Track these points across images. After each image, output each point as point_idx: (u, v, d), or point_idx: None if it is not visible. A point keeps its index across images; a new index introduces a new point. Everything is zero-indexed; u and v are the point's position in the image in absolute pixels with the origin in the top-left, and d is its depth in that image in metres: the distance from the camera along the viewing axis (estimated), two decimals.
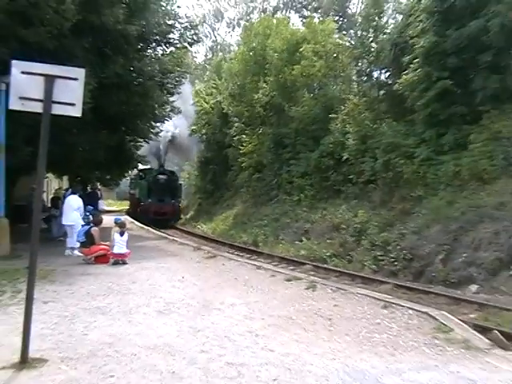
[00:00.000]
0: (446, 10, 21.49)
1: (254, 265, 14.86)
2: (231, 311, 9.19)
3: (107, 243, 14.96)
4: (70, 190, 19.62)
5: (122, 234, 14.70)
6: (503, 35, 19.25)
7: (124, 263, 14.37)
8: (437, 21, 21.89)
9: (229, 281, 12.37)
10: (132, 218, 38.63)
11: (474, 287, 15.48)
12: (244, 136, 34.53)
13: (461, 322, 8.62)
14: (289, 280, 12.22)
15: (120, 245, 14.51)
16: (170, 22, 21.85)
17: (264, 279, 12.59)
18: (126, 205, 51.11)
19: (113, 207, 55.83)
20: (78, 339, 7.18)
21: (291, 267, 18.46)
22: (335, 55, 30.87)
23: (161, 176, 39.20)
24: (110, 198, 64.78)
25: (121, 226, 15.33)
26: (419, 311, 8.96)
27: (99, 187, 33.81)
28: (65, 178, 35.43)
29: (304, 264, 19.52)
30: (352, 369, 6.31)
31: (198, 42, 23.48)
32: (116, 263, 14.32)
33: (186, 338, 7.34)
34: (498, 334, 8.35)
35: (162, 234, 25.08)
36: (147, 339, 7.25)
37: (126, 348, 6.81)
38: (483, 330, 8.93)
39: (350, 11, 46.29)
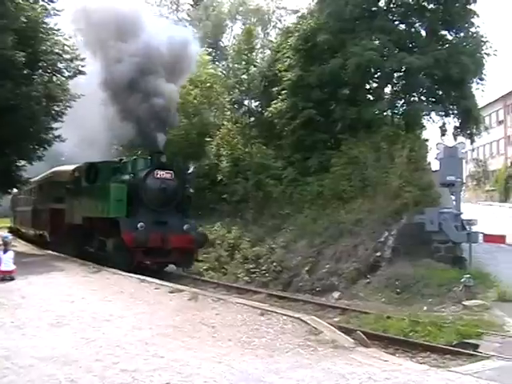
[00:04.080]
0: (310, 49, 22.70)
1: (138, 278, 14.62)
2: (120, 322, 9.00)
3: None
4: None
5: (5, 251, 14.04)
6: (359, 73, 20.67)
7: (12, 279, 13.68)
8: (302, 57, 23.07)
9: (115, 294, 12.06)
10: (53, 249, 23.22)
11: (336, 294, 16.31)
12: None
13: (329, 325, 9.06)
14: (172, 292, 12.11)
15: (6, 262, 13.85)
16: (56, 51, 21.08)
17: (149, 291, 12.40)
18: (6, 222, 46.77)
19: None
20: None
21: (172, 280, 18.30)
22: (209, 84, 31.30)
23: (161, 173, 18.16)
24: None
25: (5, 244, 14.66)
26: (292, 317, 9.24)
27: None
28: None
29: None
30: (237, 370, 6.43)
31: (82, 73, 22.65)
32: (3, 279, 13.62)
33: (80, 349, 7.13)
34: (361, 334, 8.85)
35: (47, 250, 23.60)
36: (43, 351, 6.96)
37: (22, 360, 6.51)
38: (347, 331, 9.44)
39: (222, 43, 47.20)
